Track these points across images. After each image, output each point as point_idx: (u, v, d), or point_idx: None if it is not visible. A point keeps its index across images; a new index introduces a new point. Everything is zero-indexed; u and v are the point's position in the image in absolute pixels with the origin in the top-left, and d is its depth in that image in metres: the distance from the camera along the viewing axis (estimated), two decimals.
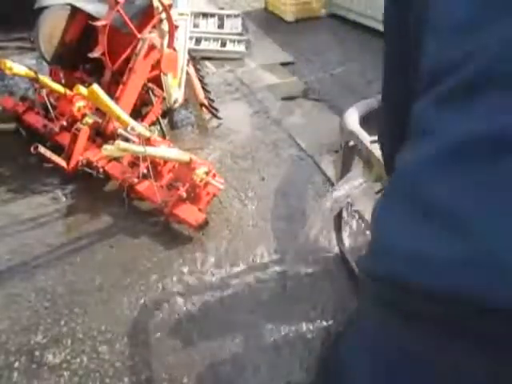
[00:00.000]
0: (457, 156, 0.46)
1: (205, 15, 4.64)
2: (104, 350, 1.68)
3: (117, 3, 2.35)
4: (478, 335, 0.42)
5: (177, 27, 2.64)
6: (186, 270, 2.01)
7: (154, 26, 2.56)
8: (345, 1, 4.85)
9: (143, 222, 2.26)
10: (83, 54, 2.62)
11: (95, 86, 1.96)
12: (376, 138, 1.45)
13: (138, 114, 2.68)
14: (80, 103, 2.51)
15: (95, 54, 2.47)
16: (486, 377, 0.42)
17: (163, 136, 2.73)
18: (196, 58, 3.65)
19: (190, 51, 3.17)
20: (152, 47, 2.50)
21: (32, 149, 2.11)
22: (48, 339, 1.72)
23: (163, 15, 2.55)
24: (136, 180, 2.25)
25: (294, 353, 1.69)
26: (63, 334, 1.74)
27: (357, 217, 2.24)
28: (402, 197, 0.50)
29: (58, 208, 2.36)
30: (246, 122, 3.16)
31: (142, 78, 2.55)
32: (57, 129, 2.54)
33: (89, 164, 2.37)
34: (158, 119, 2.79)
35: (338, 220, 1.99)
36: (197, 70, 3.36)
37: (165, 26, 2.57)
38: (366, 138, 1.49)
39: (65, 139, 2.45)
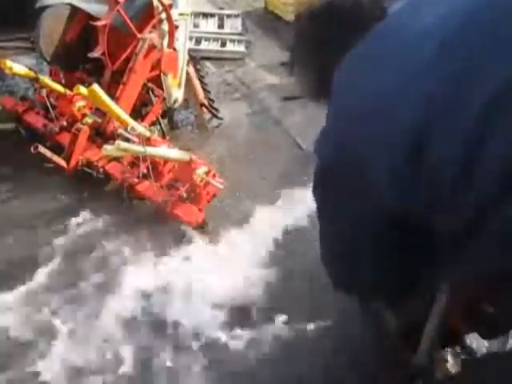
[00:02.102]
0: None
1: (205, 15, 4.64)
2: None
3: (117, 3, 2.34)
4: None
5: (177, 27, 2.64)
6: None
7: (153, 26, 2.56)
8: None
9: (143, 222, 2.26)
10: (83, 53, 2.61)
11: (95, 86, 1.96)
12: None
13: (138, 113, 2.67)
14: (80, 103, 2.50)
15: (95, 54, 2.47)
16: None
17: (163, 136, 2.72)
18: (196, 58, 3.64)
19: (189, 51, 3.16)
20: (152, 47, 2.50)
21: (32, 149, 2.11)
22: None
23: (163, 15, 2.54)
24: (136, 180, 2.25)
25: (293, 352, 1.69)
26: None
27: None
28: None
29: (58, 208, 2.36)
30: (246, 121, 3.15)
31: (142, 78, 2.55)
32: (57, 129, 2.54)
33: (89, 164, 2.37)
34: (157, 119, 2.79)
35: None
36: (197, 70, 3.36)
37: (165, 26, 2.57)
38: None
39: (65, 139, 2.45)
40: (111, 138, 2.35)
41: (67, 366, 1.63)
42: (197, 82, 3.16)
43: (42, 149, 2.15)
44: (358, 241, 0.89)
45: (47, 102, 2.54)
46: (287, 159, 2.75)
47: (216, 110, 3.11)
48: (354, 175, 0.79)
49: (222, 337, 1.74)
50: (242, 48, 4.15)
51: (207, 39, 4.23)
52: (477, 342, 1.59)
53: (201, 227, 2.16)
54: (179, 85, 2.83)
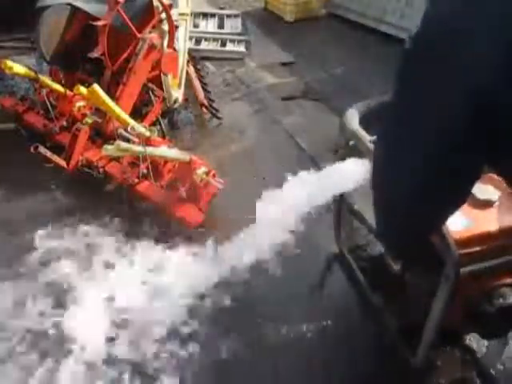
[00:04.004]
0: None
1: (205, 15, 4.65)
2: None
3: (117, 3, 2.34)
4: None
5: (177, 27, 2.64)
6: None
7: (153, 26, 2.56)
8: (344, 0, 4.85)
9: (143, 222, 2.26)
10: (83, 53, 2.61)
11: (95, 86, 1.96)
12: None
13: (138, 113, 2.68)
14: (80, 103, 2.51)
15: (95, 54, 2.47)
16: None
17: (163, 136, 2.72)
18: (196, 58, 3.65)
19: (190, 51, 3.17)
20: (152, 47, 2.50)
21: (32, 149, 2.11)
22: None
23: (163, 15, 2.55)
24: (136, 180, 2.25)
25: (293, 352, 1.69)
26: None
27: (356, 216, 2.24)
28: None
29: (58, 208, 2.36)
30: (246, 122, 3.16)
31: (142, 78, 2.55)
32: (57, 129, 2.54)
33: (89, 164, 2.37)
34: (157, 119, 2.79)
35: (338, 219, 1.99)
36: (197, 70, 3.36)
37: (165, 26, 2.58)
38: (367, 137, 1.49)
39: (65, 139, 2.45)
40: (111, 138, 2.35)
41: None
42: (197, 82, 3.17)
43: (42, 149, 2.15)
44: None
45: (47, 102, 2.54)
46: (287, 159, 2.75)
47: (216, 109, 3.11)
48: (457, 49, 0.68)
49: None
50: (241, 48, 4.15)
51: (207, 39, 4.24)
52: (477, 342, 1.60)
53: (200, 227, 2.16)
54: (179, 85, 2.83)
